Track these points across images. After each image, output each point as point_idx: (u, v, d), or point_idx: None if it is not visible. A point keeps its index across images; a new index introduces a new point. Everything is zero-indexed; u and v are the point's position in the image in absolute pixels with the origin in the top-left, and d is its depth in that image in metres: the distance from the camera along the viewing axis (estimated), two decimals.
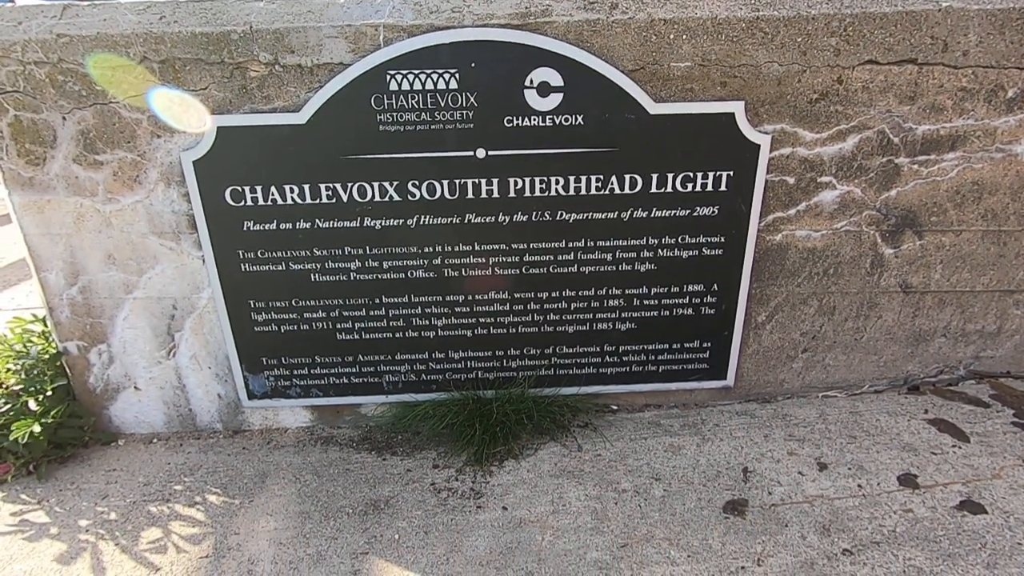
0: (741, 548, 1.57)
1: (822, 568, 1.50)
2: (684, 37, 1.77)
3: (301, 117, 1.78)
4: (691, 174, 1.90)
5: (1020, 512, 1.63)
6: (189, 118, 1.77)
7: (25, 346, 2.11)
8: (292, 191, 1.85)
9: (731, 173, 1.90)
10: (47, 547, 1.68)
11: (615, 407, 2.24)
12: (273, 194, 1.86)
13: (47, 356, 2.07)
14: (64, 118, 1.77)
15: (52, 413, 1.95)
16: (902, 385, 2.28)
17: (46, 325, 2.15)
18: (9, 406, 1.93)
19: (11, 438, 1.83)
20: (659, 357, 2.16)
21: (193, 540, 1.69)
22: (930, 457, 1.86)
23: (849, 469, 1.83)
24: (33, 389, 1.98)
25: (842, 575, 1.48)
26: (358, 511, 1.77)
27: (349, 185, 1.85)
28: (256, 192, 1.85)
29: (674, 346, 2.14)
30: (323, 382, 2.12)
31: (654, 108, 1.82)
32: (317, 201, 1.87)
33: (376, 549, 1.64)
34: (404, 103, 1.77)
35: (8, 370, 2.02)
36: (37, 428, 1.85)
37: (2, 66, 1.71)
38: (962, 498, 1.69)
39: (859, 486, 1.76)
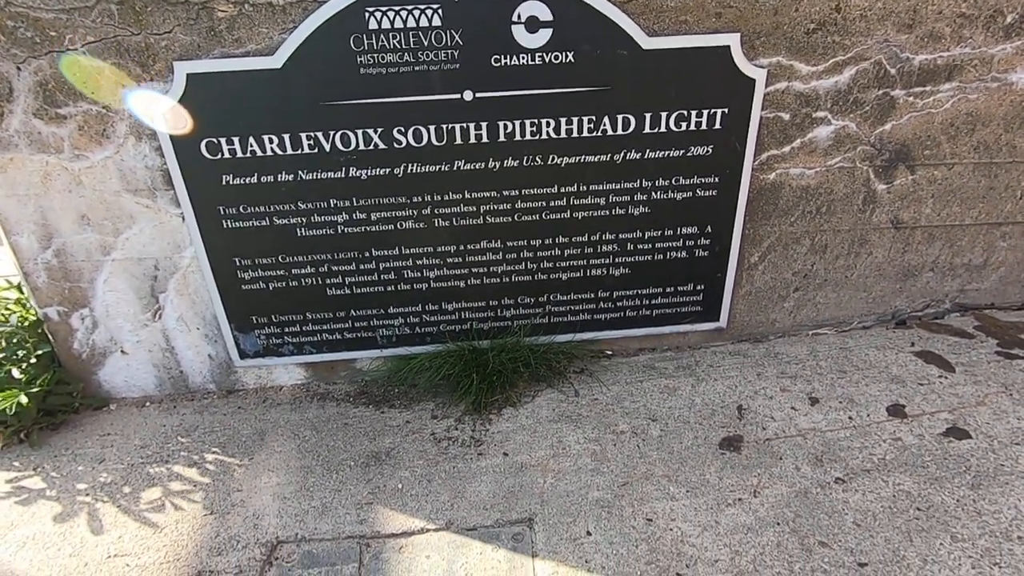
0: (738, 481, 1.62)
1: (816, 496, 1.55)
2: None
3: (276, 61, 1.68)
4: (685, 112, 1.84)
5: (1003, 436, 1.69)
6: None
7: (2, 314, 2.03)
8: (271, 141, 1.77)
9: (726, 110, 1.85)
10: (47, 511, 1.67)
11: (610, 352, 2.26)
12: (251, 145, 1.77)
13: (27, 323, 2.00)
14: (19, 68, 1.65)
15: (38, 381, 1.90)
16: (890, 320, 2.32)
17: (22, 292, 2.08)
18: None
19: None
20: (653, 301, 2.16)
21: (195, 499, 1.69)
22: (917, 388, 1.91)
23: (840, 403, 1.88)
24: (15, 357, 1.93)
25: (835, 502, 1.53)
26: (360, 463, 1.78)
27: (331, 133, 1.77)
28: (233, 144, 1.76)
29: (668, 290, 2.14)
30: (316, 338, 2.09)
31: (647, 43, 1.74)
32: (298, 151, 1.79)
33: (380, 499, 1.65)
34: (385, 43, 1.68)
35: None
36: (24, 399, 1.80)
37: None
38: (948, 425, 1.75)
39: (850, 418, 1.81)
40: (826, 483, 1.59)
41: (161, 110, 1.70)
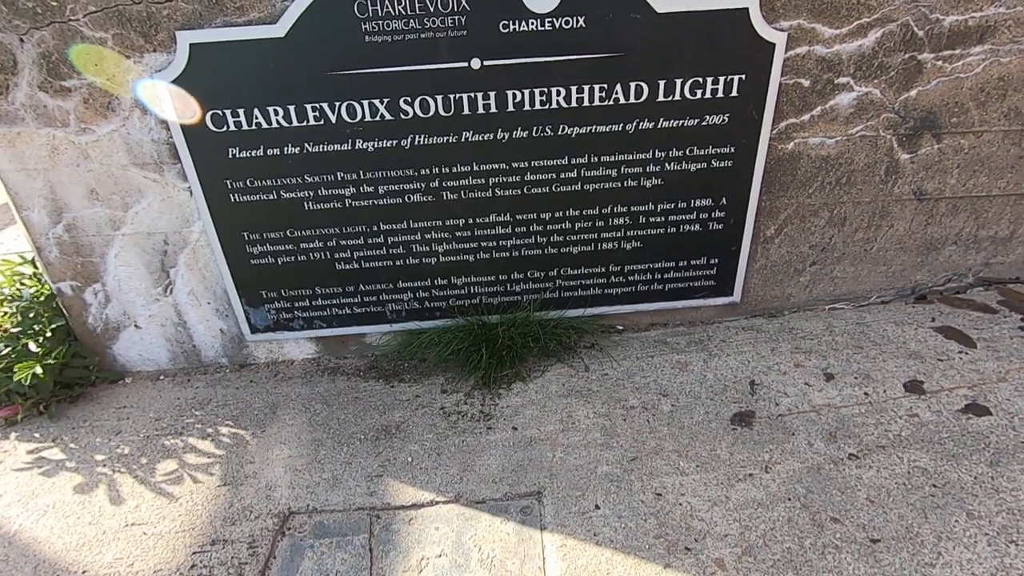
0: (749, 456, 1.60)
1: (828, 472, 1.53)
2: None
3: (279, 29, 1.64)
4: (701, 79, 1.78)
5: None
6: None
7: (18, 289, 2.06)
8: (277, 113, 1.74)
9: (743, 77, 1.79)
10: (67, 481, 1.71)
11: (621, 327, 2.23)
12: (257, 117, 1.74)
13: (42, 297, 2.03)
14: (22, 40, 1.63)
15: (54, 354, 1.93)
16: (909, 295, 2.26)
17: (36, 266, 2.10)
18: (9, 349, 1.91)
19: (15, 380, 1.82)
20: (665, 276, 2.12)
21: (209, 470, 1.71)
22: (936, 363, 1.87)
23: (855, 378, 1.84)
24: (32, 331, 1.95)
25: (848, 478, 1.51)
26: (370, 437, 1.79)
27: (337, 104, 1.74)
28: (239, 116, 1.74)
29: (681, 264, 2.10)
30: (325, 313, 2.09)
31: (662, 6, 1.67)
32: (304, 123, 1.76)
33: (390, 471, 1.67)
34: (391, 9, 1.63)
35: (4, 313, 1.99)
36: (39, 370, 1.83)
37: None
38: (967, 402, 1.71)
39: (865, 394, 1.78)
40: (839, 459, 1.56)
41: (165, 86, 1.67)
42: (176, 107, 1.71)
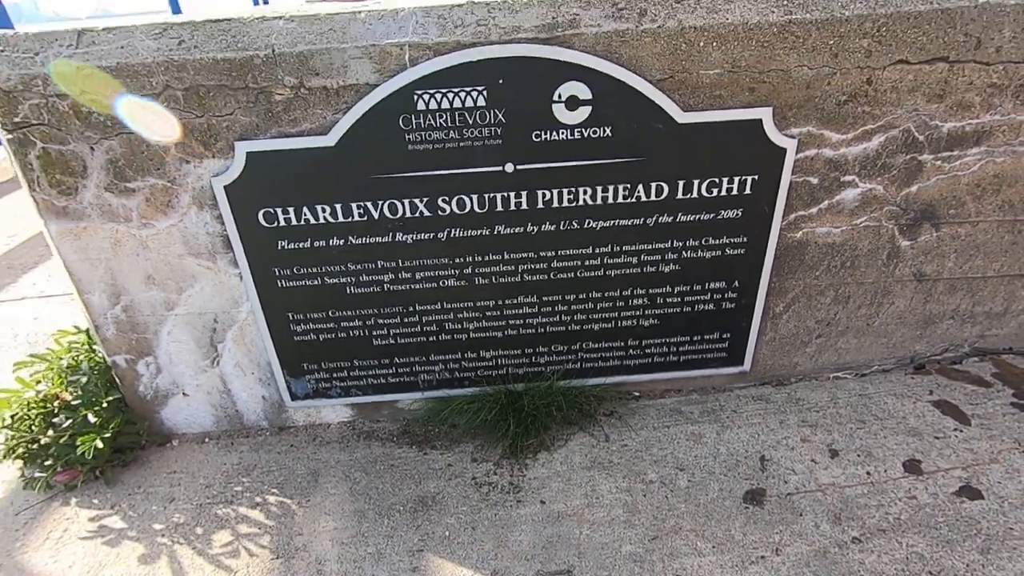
0: (761, 538, 1.74)
1: (834, 556, 1.67)
2: (714, 44, 1.74)
3: (330, 139, 1.78)
4: (717, 180, 1.92)
5: (1014, 497, 1.79)
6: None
7: (75, 359, 2.20)
8: (324, 211, 1.88)
9: (756, 177, 1.93)
10: (130, 552, 1.85)
11: (637, 394, 2.37)
12: (305, 214, 1.88)
13: (97, 369, 2.16)
14: (92, 148, 1.77)
15: (111, 425, 2.07)
16: (908, 364, 2.40)
17: (89, 337, 2.23)
18: (70, 421, 2.04)
19: (78, 453, 1.96)
20: (680, 348, 2.26)
21: (261, 542, 1.85)
22: (933, 442, 2.01)
23: (858, 456, 1.98)
24: (90, 403, 2.09)
25: (851, 563, 1.65)
26: (408, 508, 1.93)
27: (380, 203, 1.88)
28: (288, 213, 1.88)
29: (695, 338, 2.24)
30: (362, 383, 2.23)
31: (682, 117, 1.81)
32: (349, 219, 1.90)
33: (430, 546, 1.81)
34: (432, 122, 1.76)
35: (63, 384, 2.13)
36: (100, 444, 1.97)
37: (24, 100, 1.69)
38: (961, 483, 1.85)
39: (867, 473, 1.92)
40: (844, 543, 1.71)
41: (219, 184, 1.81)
42: (231, 207, 1.85)
